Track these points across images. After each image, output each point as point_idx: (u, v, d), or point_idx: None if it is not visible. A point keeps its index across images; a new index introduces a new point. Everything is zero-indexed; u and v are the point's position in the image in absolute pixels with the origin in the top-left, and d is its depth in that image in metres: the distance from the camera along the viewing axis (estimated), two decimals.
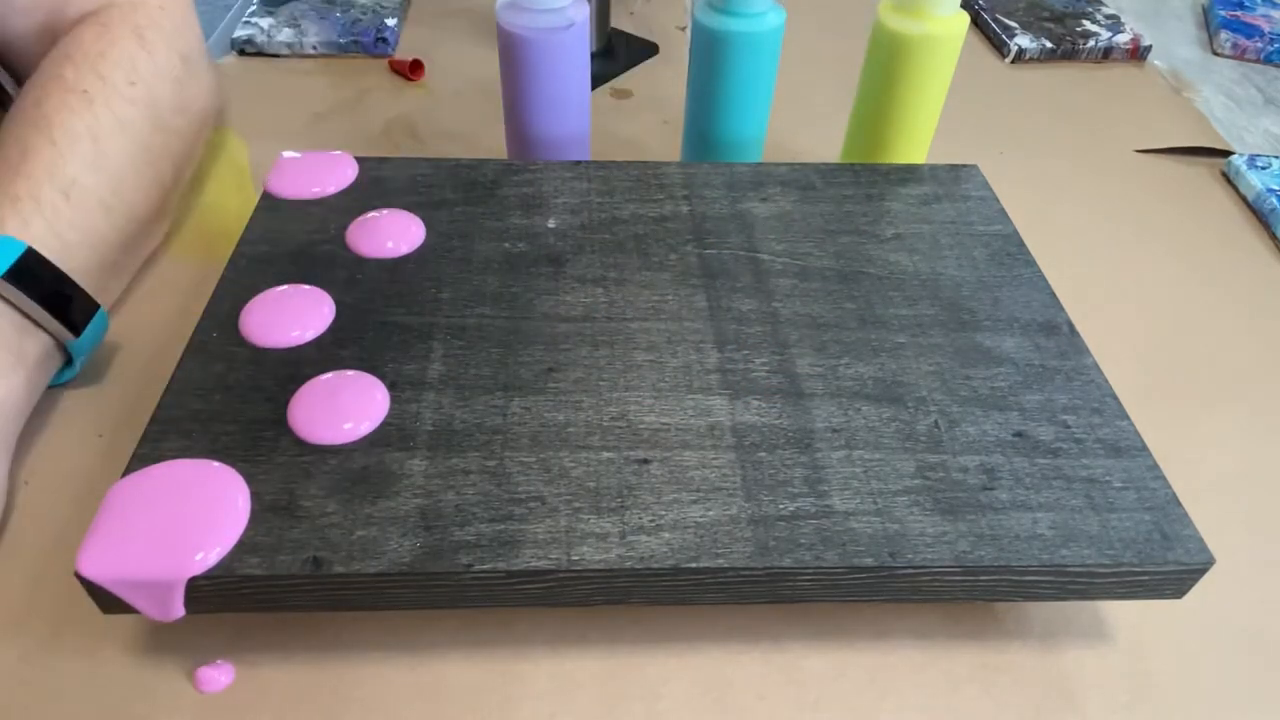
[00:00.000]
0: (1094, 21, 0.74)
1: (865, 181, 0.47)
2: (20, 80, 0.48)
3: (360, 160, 0.46)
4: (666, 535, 0.30)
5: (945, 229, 0.44)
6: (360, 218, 0.43)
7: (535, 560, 0.29)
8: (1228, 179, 0.60)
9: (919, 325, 0.39)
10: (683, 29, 0.73)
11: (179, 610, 0.29)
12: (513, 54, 0.46)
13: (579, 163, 0.47)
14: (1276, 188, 0.56)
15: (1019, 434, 0.34)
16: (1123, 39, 0.72)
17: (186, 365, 0.35)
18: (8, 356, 0.36)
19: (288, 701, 0.31)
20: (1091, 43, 0.72)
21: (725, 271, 0.41)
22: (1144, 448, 0.34)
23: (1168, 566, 0.31)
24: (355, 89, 0.64)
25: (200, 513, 0.30)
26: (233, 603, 0.30)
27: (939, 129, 0.52)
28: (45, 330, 0.38)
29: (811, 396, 0.35)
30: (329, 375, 0.35)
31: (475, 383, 0.35)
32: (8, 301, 0.36)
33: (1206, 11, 0.80)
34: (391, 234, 0.42)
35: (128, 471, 0.31)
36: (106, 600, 0.29)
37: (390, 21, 0.69)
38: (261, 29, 0.68)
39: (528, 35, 0.45)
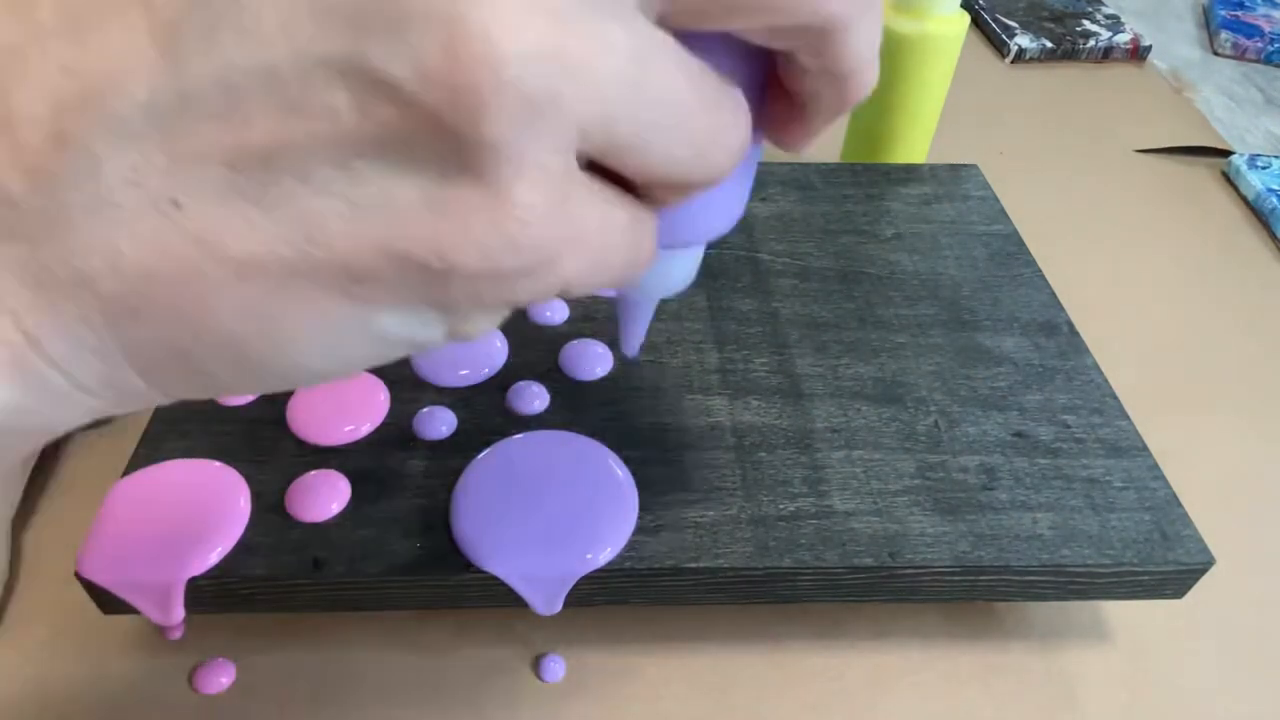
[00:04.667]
0: (1094, 21, 0.74)
1: (865, 181, 0.47)
2: None
3: None
4: (666, 535, 0.30)
5: (945, 229, 0.44)
6: None
7: None
8: (1228, 179, 0.59)
9: (919, 325, 0.39)
10: None
11: (179, 612, 0.29)
12: None
13: None
14: (1276, 188, 0.56)
15: (1019, 434, 0.34)
16: (1123, 39, 0.72)
17: None
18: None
19: (288, 701, 0.31)
20: (1091, 43, 0.72)
21: (725, 271, 0.41)
22: (1144, 448, 0.34)
23: (1168, 566, 0.31)
24: None
25: (200, 513, 0.30)
26: (233, 603, 0.30)
27: (939, 129, 0.52)
28: None
29: (811, 396, 0.35)
30: None
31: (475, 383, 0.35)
32: None
33: (1207, 11, 0.80)
34: None
35: (128, 471, 0.31)
36: (106, 600, 0.29)
37: None
38: None
39: None
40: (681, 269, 0.25)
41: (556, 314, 0.38)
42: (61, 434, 0.15)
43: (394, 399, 0.34)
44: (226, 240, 0.13)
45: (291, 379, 0.15)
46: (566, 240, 0.14)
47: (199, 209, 0.13)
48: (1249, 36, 0.74)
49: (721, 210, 0.22)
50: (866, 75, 0.17)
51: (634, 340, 0.28)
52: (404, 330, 0.14)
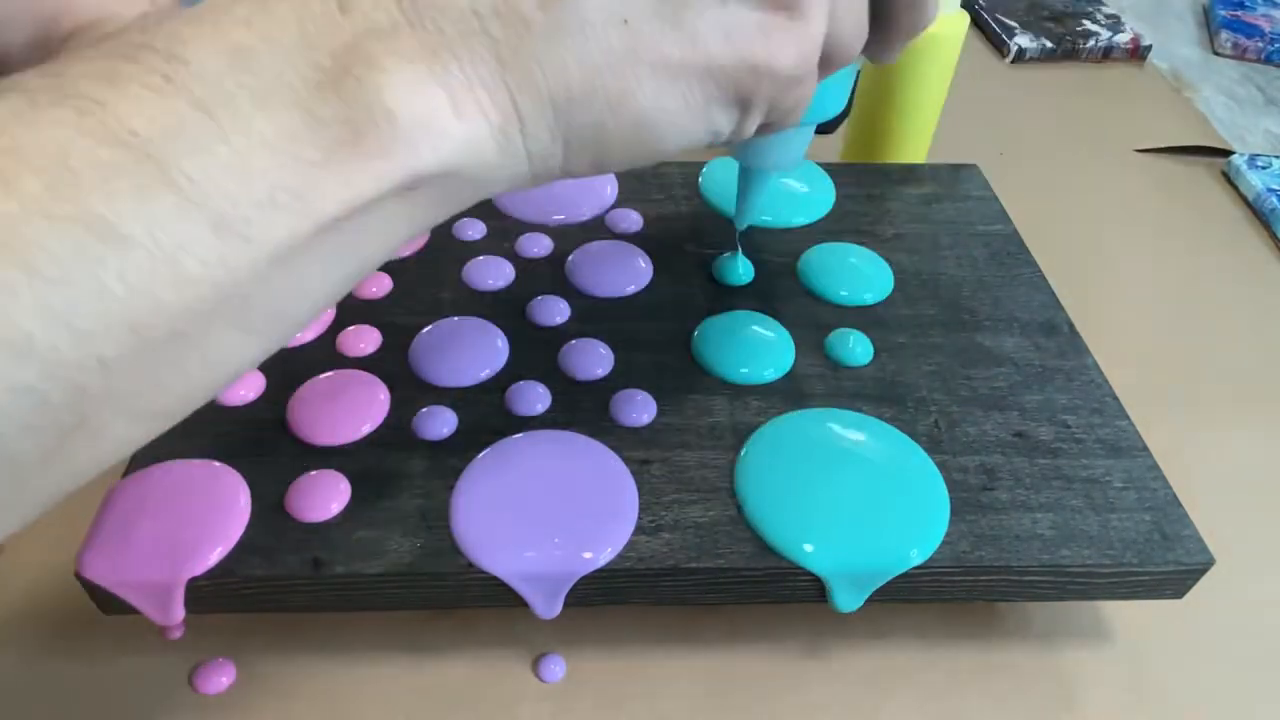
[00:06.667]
0: (1094, 21, 0.74)
1: (865, 181, 0.47)
2: None
3: None
4: (666, 535, 0.30)
5: (945, 229, 0.44)
6: None
7: None
8: (1228, 179, 0.59)
9: (919, 325, 0.39)
10: None
11: (179, 612, 0.29)
12: None
13: None
14: (1276, 188, 0.56)
15: (1019, 434, 0.34)
16: (1123, 38, 0.72)
17: None
18: None
19: (288, 701, 0.31)
20: (1091, 42, 0.72)
21: (725, 272, 0.41)
22: (1144, 448, 0.34)
23: (1168, 566, 0.31)
24: None
25: (200, 513, 0.30)
26: (233, 603, 0.30)
27: (939, 129, 0.52)
28: None
29: (811, 396, 0.35)
30: (329, 375, 0.35)
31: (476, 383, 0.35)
32: None
33: (1207, 11, 0.80)
34: None
35: (128, 472, 0.31)
36: (106, 600, 0.29)
37: None
38: None
39: None
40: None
41: (557, 314, 0.38)
42: (483, 197, 0.20)
43: (394, 399, 0.34)
44: (651, 46, 0.19)
45: (652, 154, 0.21)
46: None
47: (637, 25, 0.19)
48: (1249, 36, 0.74)
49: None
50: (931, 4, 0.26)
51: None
52: (718, 121, 0.21)
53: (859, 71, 0.30)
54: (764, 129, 0.23)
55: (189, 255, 0.16)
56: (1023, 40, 0.71)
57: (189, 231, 0.16)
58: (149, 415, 0.18)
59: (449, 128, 0.18)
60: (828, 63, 0.23)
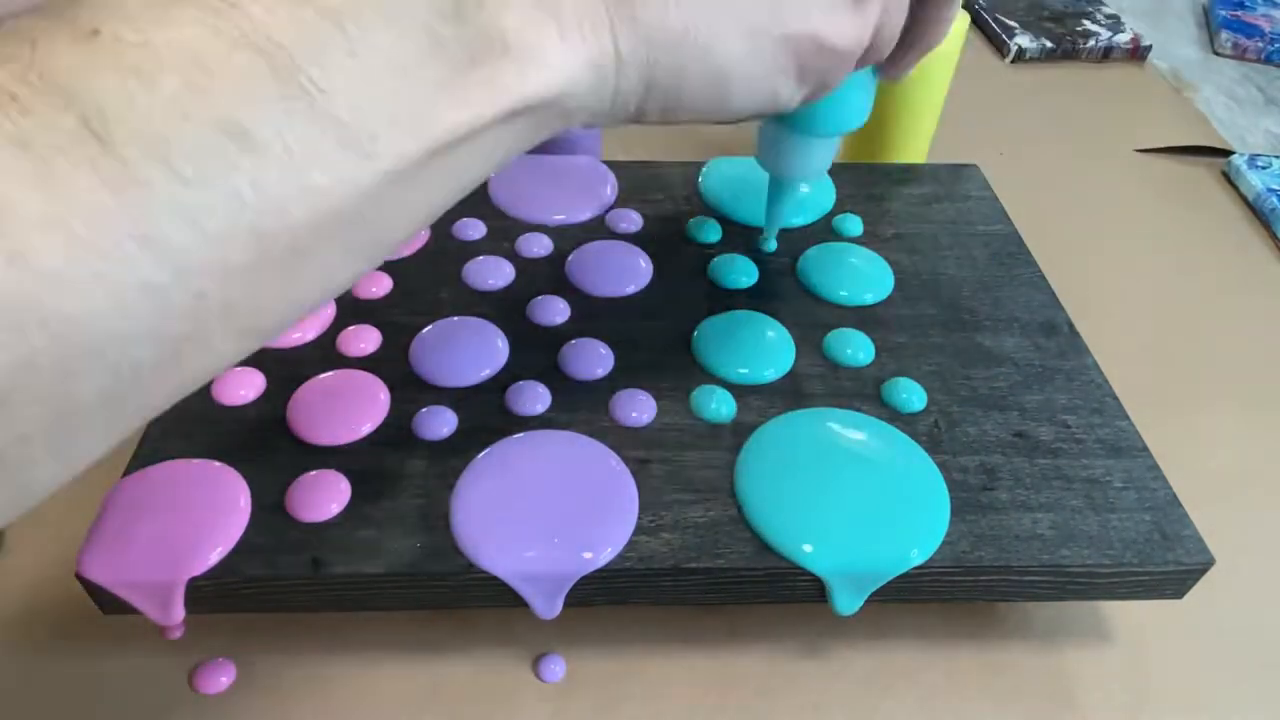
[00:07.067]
0: (1094, 21, 0.74)
1: (865, 181, 0.47)
2: None
3: None
4: (666, 535, 0.30)
5: (945, 229, 0.44)
6: None
7: None
8: (1228, 179, 0.59)
9: (919, 325, 0.39)
10: None
11: (179, 612, 0.29)
12: None
13: None
14: (1276, 188, 0.56)
15: (1019, 434, 0.34)
16: (1123, 39, 0.72)
17: None
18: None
19: (288, 701, 0.31)
20: (1091, 42, 0.72)
21: (725, 272, 0.41)
22: (1144, 448, 0.34)
23: (1168, 566, 0.31)
24: None
25: (200, 513, 0.30)
26: (233, 603, 0.30)
27: (939, 129, 0.52)
28: None
29: (811, 396, 0.35)
30: (329, 375, 0.35)
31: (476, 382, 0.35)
32: None
33: (1207, 11, 0.80)
34: None
35: (128, 472, 0.31)
36: (107, 600, 0.29)
37: None
38: None
39: None
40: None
41: (557, 314, 0.38)
42: (563, 129, 0.21)
43: (394, 399, 0.34)
44: (742, 6, 0.21)
45: (721, 110, 0.23)
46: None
47: None
48: (1249, 36, 0.74)
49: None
50: (947, 21, 0.28)
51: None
52: (781, 88, 0.24)
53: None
54: (804, 102, 0.26)
55: (316, 167, 0.16)
56: (1023, 40, 0.71)
57: (318, 143, 0.16)
58: (247, 333, 0.17)
59: (556, 58, 0.19)
60: (867, 54, 0.25)
